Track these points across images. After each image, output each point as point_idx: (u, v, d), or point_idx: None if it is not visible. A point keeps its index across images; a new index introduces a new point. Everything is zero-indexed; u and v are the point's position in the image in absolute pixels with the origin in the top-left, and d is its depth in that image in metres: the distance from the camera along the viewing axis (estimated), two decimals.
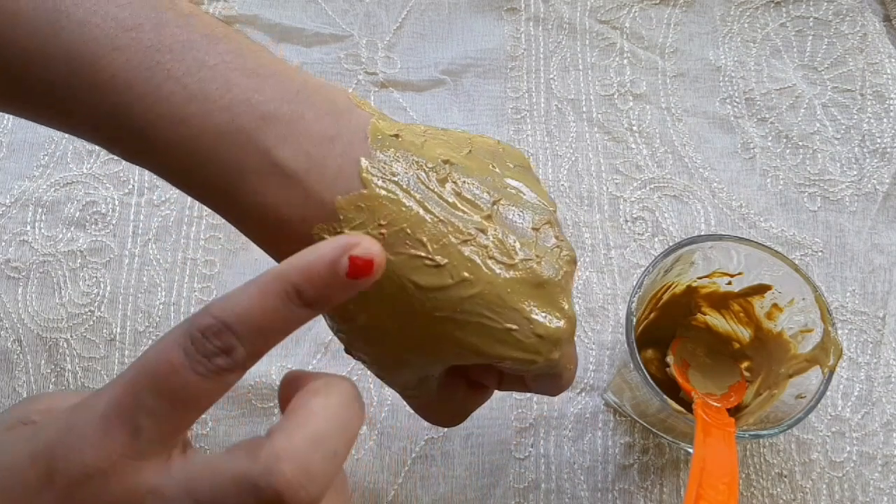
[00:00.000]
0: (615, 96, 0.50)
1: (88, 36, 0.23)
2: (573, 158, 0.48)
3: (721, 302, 0.40)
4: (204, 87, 0.24)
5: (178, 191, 0.26)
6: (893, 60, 0.50)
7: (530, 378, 0.29)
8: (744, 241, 0.37)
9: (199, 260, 0.45)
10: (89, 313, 0.43)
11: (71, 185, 0.46)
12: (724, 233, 0.46)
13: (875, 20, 0.52)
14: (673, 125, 0.49)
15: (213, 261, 0.45)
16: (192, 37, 0.24)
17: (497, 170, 0.28)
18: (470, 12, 0.52)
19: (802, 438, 0.42)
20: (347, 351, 0.28)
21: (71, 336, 0.43)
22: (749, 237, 0.42)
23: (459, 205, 0.26)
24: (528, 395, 0.42)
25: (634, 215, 0.47)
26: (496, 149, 0.29)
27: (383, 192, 0.25)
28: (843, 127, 0.49)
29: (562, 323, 0.26)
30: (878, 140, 0.48)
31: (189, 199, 0.32)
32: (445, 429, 0.41)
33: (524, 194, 0.28)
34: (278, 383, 0.24)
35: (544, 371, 0.27)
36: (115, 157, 0.39)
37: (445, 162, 0.26)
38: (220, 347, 0.20)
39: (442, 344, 0.26)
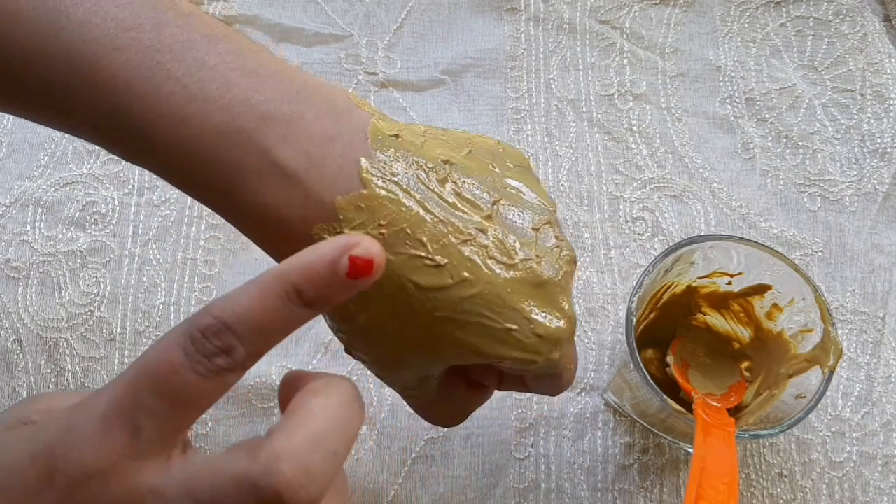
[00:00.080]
0: (615, 96, 0.50)
1: (88, 36, 0.23)
2: (573, 158, 0.48)
3: (721, 302, 0.40)
4: (204, 87, 0.24)
5: (178, 191, 0.26)
6: (893, 60, 0.50)
7: (530, 378, 0.29)
8: (744, 241, 0.37)
9: (199, 260, 0.45)
10: (89, 313, 0.43)
11: (71, 185, 0.46)
12: (724, 233, 0.46)
13: (875, 20, 0.52)
14: (673, 125, 0.49)
15: (213, 261, 0.45)
16: (192, 37, 0.24)
17: (497, 170, 0.28)
18: (470, 12, 0.52)
19: (802, 438, 0.42)
20: (347, 351, 0.28)
21: (71, 336, 0.43)
22: (749, 237, 0.42)
23: (459, 205, 0.26)
24: (528, 395, 0.42)
25: (634, 215, 0.47)
26: (496, 149, 0.29)
27: (383, 192, 0.25)
28: (843, 127, 0.49)
29: (562, 323, 0.26)
30: (878, 140, 0.48)
31: (189, 199, 0.32)
32: (445, 429, 0.41)
33: (524, 194, 0.28)
34: (278, 383, 0.24)
35: (544, 371, 0.27)
36: (115, 157, 0.39)
37: (445, 162, 0.26)
38: (220, 347, 0.20)
39: (442, 344, 0.26)
